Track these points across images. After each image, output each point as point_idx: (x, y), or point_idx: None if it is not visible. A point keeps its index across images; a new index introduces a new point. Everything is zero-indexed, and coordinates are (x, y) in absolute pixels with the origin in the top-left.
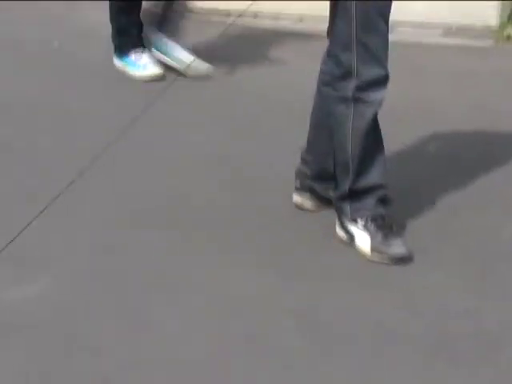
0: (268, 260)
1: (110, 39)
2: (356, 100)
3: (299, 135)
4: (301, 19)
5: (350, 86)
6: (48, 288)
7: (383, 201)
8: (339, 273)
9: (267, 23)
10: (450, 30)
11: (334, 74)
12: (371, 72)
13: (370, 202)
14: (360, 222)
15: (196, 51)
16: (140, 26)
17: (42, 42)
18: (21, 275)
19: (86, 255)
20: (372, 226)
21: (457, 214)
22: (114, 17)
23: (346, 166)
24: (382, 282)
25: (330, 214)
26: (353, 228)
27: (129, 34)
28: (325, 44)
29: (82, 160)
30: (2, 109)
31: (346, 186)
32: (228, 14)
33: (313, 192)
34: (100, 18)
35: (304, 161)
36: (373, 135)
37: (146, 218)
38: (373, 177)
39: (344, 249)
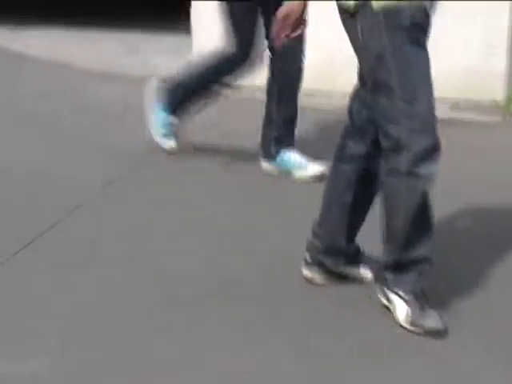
0: (281, 336)
1: (117, 116)
2: (408, 174)
3: (311, 210)
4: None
5: (401, 160)
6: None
7: (425, 273)
8: (367, 346)
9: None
10: (457, 105)
11: (384, 146)
12: (421, 143)
13: (412, 275)
14: (400, 292)
15: (204, 124)
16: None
17: (54, 115)
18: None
19: (86, 331)
20: (410, 297)
21: (492, 290)
22: (190, 91)
23: (394, 238)
24: (415, 355)
25: (340, 288)
26: (392, 295)
27: (184, 106)
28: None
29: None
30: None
31: (391, 256)
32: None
33: (322, 266)
34: (111, 93)
35: (315, 234)
36: (424, 209)
37: (143, 291)
38: (419, 250)
39: (367, 320)
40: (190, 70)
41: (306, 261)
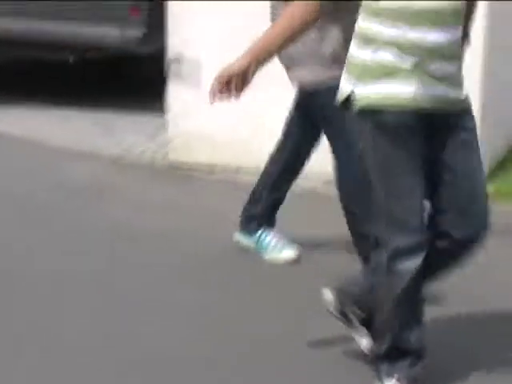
0: None
1: (93, 196)
2: (389, 270)
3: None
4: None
5: (382, 256)
6: None
7: (417, 363)
8: None
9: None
10: None
11: (370, 241)
12: (401, 241)
13: (403, 364)
14: (392, 379)
15: (179, 206)
16: None
17: (29, 195)
18: None
19: None
20: (404, 383)
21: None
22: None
23: (382, 330)
24: None
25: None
26: (386, 382)
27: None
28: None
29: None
30: None
31: (381, 347)
32: (211, 169)
33: (340, 299)
34: (86, 172)
35: (354, 283)
36: (410, 302)
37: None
38: (409, 342)
39: None
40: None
41: (333, 290)
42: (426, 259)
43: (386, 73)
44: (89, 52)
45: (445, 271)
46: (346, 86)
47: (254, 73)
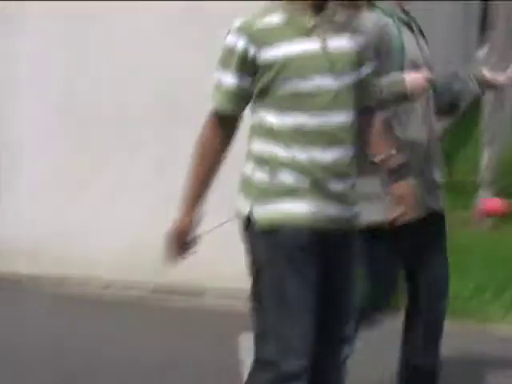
0: None
1: None
2: None
3: None
4: (108, 286)
5: (267, 377)
6: None
7: None
8: None
9: (73, 289)
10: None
11: (254, 361)
12: (287, 365)
13: None
14: None
15: None
16: None
17: None
18: None
19: None
20: None
21: None
22: None
23: None
24: None
25: None
26: None
27: None
28: None
29: None
30: None
31: None
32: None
33: None
34: None
35: None
36: None
37: None
38: None
39: None
40: None
41: None
42: None
43: (285, 193)
44: None
45: None
46: (243, 206)
47: (193, 224)
